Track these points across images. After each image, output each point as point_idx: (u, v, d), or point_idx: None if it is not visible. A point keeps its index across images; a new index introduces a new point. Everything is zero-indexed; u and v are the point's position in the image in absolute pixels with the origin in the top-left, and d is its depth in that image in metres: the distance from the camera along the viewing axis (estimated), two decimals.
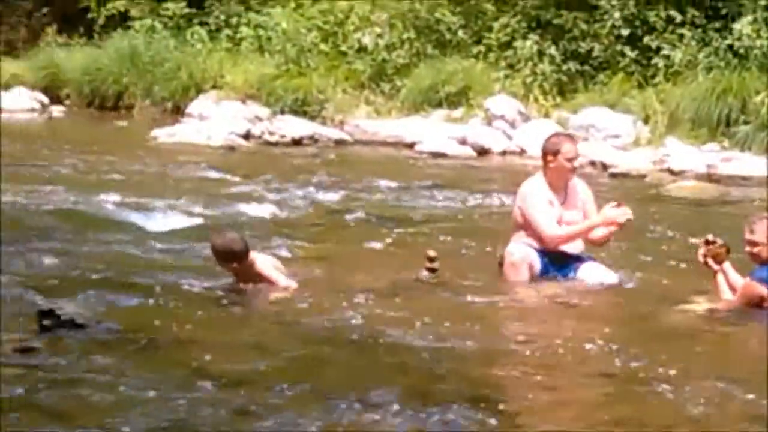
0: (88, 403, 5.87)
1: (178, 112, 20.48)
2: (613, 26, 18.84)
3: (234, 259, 8.46)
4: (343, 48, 20.36)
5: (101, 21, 22.55)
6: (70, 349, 6.83)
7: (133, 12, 22.32)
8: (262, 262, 8.60)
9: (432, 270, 9.03)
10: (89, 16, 22.81)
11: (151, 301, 8.16)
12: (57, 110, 21.10)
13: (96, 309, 7.73)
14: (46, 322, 7.11)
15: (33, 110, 20.96)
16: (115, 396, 5.95)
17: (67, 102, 21.51)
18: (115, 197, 12.38)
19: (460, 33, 19.97)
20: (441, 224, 11.75)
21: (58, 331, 7.08)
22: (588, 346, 7.24)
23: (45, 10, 23.73)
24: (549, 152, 9.11)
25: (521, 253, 8.98)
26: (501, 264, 9.10)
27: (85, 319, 7.24)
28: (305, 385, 6.21)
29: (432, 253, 9.11)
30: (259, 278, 8.51)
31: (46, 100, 21.29)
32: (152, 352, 6.88)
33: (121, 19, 22.42)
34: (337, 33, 20.51)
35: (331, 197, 13.41)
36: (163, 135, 18.17)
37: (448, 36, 19.99)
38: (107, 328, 7.28)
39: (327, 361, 6.83)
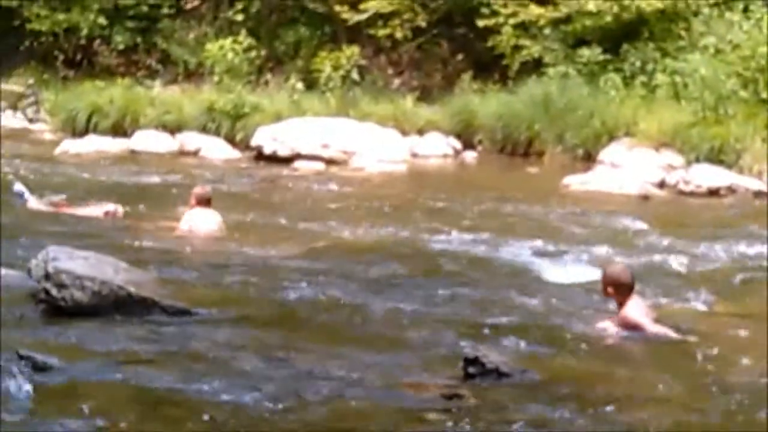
0: None
1: (589, 159, 20.27)
2: None
3: (617, 288, 8.59)
4: (764, 95, 19.58)
5: (515, 67, 22.73)
6: (495, 398, 6.72)
7: (547, 58, 22.37)
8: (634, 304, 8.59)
9: None
10: (503, 62, 23.03)
11: (567, 350, 7.98)
12: (469, 156, 21.36)
13: (518, 357, 7.62)
14: (471, 370, 7.03)
15: (446, 156, 21.28)
16: None
17: (480, 148, 21.72)
18: (525, 244, 12.33)
19: None
20: None
21: (484, 379, 6.99)
22: None
23: (460, 56, 24.15)
24: None
25: None
26: None
27: (510, 368, 7.12)
28: None
29: None
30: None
31: (459, 145, 21.58)
32: (579, 405, 6.66)
33: (535, 66, 22.51)
34: (758, 80, 19.76)
35: (754, 252, 12.78)
36: (575, 182, 18.01)
37: None
38: (531, 378, 7.14)
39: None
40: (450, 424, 6.23)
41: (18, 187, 14.07)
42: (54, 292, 8.49)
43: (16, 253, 10.60)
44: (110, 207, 13.68)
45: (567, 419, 6.39)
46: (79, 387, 6.99)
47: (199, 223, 12.61)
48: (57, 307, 8.50)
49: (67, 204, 13.95)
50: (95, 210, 13.70)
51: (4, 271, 9.61)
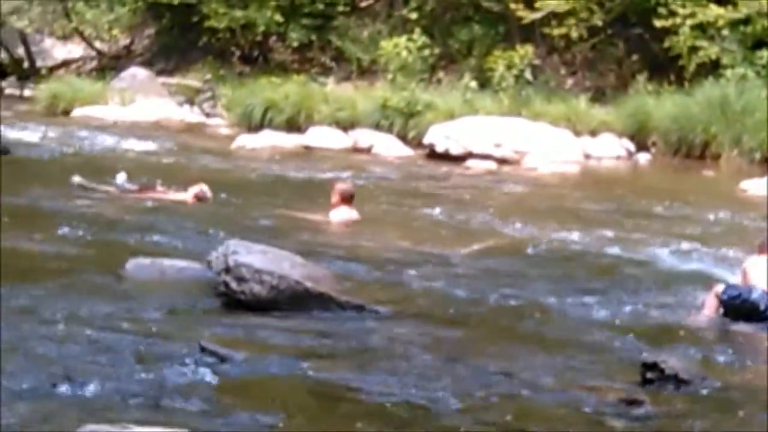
0: None
1: (767, 163, 19.82)
2: None
3: None
4: None
5: (692, 69, 22.34)
6: (674, 405, 6.63)
7: (725, 60, 21.93)
8: None
9: None
10: (680, 63, 22.66)
11: (748, 357, 7.85)
12: (643, 158, 21.06)
13: (697, 363, 7.50)
14: (650, 375, 6.94)
15: (619, 157, 21.02)
16: None
17: (654, 150, 21.40)
18: (702, 249, 12.11)
19: None
20: None
21: (662, 385, 6.89)
22: None
23: (635, 57, 23.83)
24: None
25: None
26: None
27: (689, 375, 7.00)
28: None
29: None
30: None
31: (632, 147, 21.30)
32: (762, 414, 6.51)
33: (712, 67, 22.09)
34: None
35: None
36: (753, 187, 17.63)
37: None
38: (711, 385, 7.01)
39: None
40: (629, 430, 6.16)
41: (121, 178, 14.26)
42: (233, 285, 8.64)
43: (189, 246, 10.84)
44: (197, 188, 13.79)
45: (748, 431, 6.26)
46: (258, 380, 7.10)
47: (347, 217, 12.69)
48: (236, 300, 8.65)
49: (155, 188, 14.08)
50: (184, 194, 13.81)
51: (184, 263, 9.82)
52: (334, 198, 12.84)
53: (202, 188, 13.84)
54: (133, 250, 10.30)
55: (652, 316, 9.03)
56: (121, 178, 14.20)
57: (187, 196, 13.77)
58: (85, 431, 5.61)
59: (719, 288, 9.13)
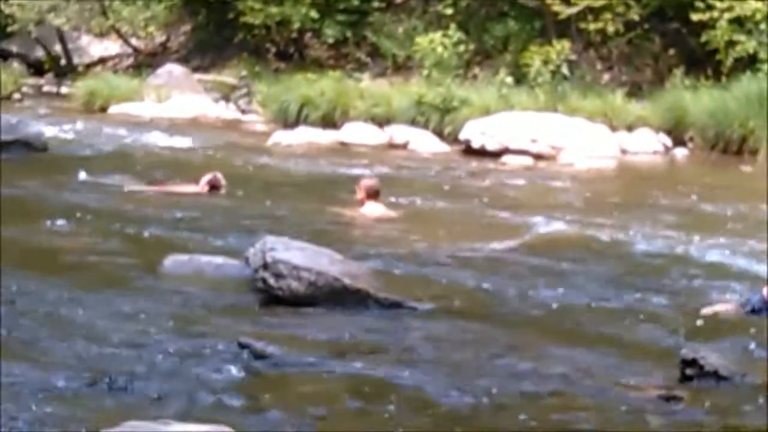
0: None
1: None
2: None
3: None
4: None
5: (729, 63, 22.21)
6: (714, 402, 6.60)
7: (763, 54, 21.78)
8: None
9: None
10: (717, 58, 22.54)
11: None
12: (680, 153, 20.95)
13: (736, 359, 7.44)
14: (689, 372, 6.91)
15: (656, 152, 20.92)
16: None
17: (691, 145, 21.29)
18: (738, 244, 12.04)
19: None
20: None
21: (702, 382, 6.86)
22: None
23: (672, 51, 23.72)
24: None
25: None
26: None
27: (729, 371, 6.96)
28: None
29: None
30: None
31: (669, 142, 21.19)
32: None
33: (750, 62, 21.95)
34: None
35: None
36: None
37: None
38: (752, 382, 6.97)
39: None
40: (669, 427, 6.13)
41: (82, 175, 14.34)
42: (271, 281, 8.66)
43: (226, 242, 10.87)
44: (209, 176, 13.77)
45: None
46: (296, 376, 7.12)
47: (378, 212, 12.69)
48: (274, 297, 8.67)
49: (165, 183, 14.12)
50: (194, 186, 13.79)
51: (221, 259, 9.85)
52: (360, 194, 12.83)
53: (216, 175, 13.84)
54: (168, 246, 10.34)
55: (690, 312, 8.98)
56: (82, 176, 14.30)
57: (200, 186, 13.78)
58: (126, 428, 5.63)
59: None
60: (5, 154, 15.91)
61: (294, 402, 6.57)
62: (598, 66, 24.53)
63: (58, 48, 29.50)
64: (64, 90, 27.38)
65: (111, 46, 30.04)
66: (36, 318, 8.07)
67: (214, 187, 13.75)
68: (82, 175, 14.38)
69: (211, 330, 7.93)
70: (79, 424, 6.08)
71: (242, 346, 7.36)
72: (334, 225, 12.39)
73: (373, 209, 12.78)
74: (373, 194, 12.82)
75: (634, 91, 23.11)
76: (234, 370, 7.00)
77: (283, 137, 20.43)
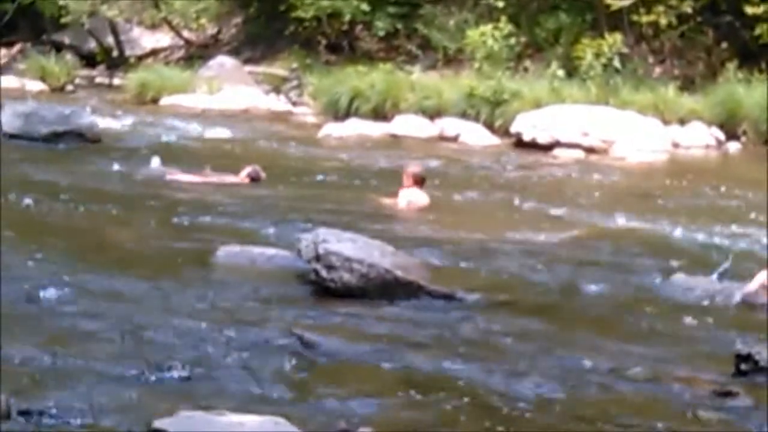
0: None
1: None
2: None
3: None
4: None
5: None
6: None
7: None
8: None
9: None
10: None
11: None
12: (733, 147, 20.81)
13: None
14: (743, 367, 6.87)
15: (708, 146, 20.78)
16: None
17: (744, 139, 21.14)
18: None
19: None
20: None
21: (756, 377, 6.82)
22: None
23: (725, 45, 23.56)
24: None
25: None
26: None
27: None
28: None
29: None
30: None
31: (722, 136, 21.04)
32: None
33: None
34: None
35: None
36: None
37: None
38: None
39: None
40: (723, 422, 6.10)
41: (155, 162, 14.44)
42: (324, 273, 8.69)
43: (277, 232, 10.90)
44: (249, 169, 13.92)
45: None
46: (349, 367, 7.14)
47: (417, 201, 12.70)
48: (326, 288, 8.70)
49: (206, 172, 14.17)
50: (235, 177, 13.89)
51: (273, 251, 9.89)
52: (407, 181, 12.90)
53: (255, 167, 13.99)
54: (221, 237, 10.39)
55: (745, 307, 8.93)
56: (155, 162, 14.42)
57: (241, 177, 13.89)
58: (180, 417, 5.68)
59: None
60: (60, 144, 16.14)
61: (347, 392, 6.59)
62: (650, 59, 24.39)
63: (110, 40, 29.66)
64: (116, 81, 27.54)
65: (163, 38, 30.17)
66: (90, 309, 8.13)
67: (254, 178, 13.89)
68: (155, 162, 14.52)
69: (263, 320, 7.97)
70: (133, 414, 6.12)
71: (295, 336, 7.39)
72: (382, 216, 12.38)
73: (411, 195, 12.80)
74: (419, 181, 12.89)
75: (687, 85, 22.95)
76: (287, 361, 7.03)
77: (333, 129, 20.46)
